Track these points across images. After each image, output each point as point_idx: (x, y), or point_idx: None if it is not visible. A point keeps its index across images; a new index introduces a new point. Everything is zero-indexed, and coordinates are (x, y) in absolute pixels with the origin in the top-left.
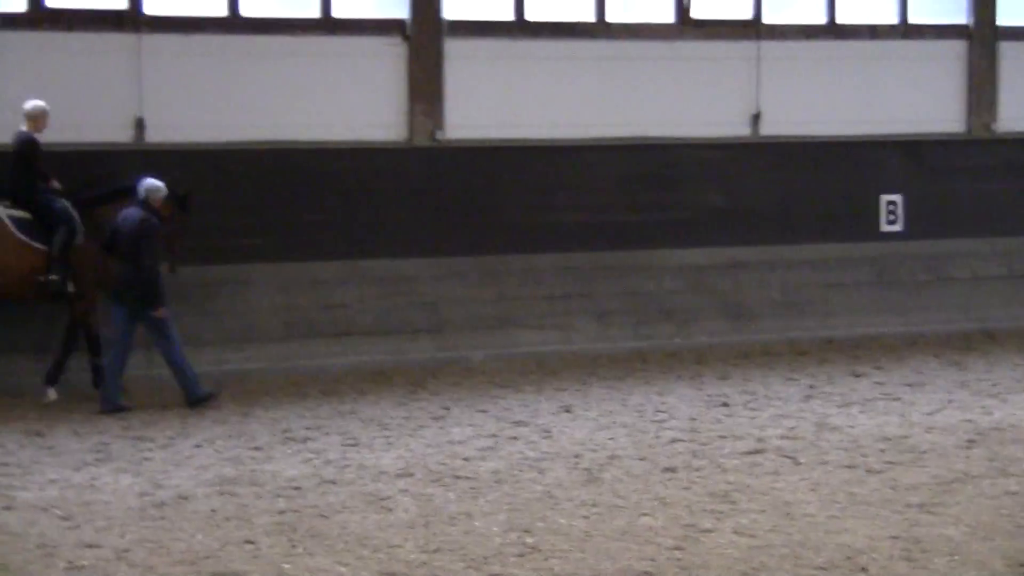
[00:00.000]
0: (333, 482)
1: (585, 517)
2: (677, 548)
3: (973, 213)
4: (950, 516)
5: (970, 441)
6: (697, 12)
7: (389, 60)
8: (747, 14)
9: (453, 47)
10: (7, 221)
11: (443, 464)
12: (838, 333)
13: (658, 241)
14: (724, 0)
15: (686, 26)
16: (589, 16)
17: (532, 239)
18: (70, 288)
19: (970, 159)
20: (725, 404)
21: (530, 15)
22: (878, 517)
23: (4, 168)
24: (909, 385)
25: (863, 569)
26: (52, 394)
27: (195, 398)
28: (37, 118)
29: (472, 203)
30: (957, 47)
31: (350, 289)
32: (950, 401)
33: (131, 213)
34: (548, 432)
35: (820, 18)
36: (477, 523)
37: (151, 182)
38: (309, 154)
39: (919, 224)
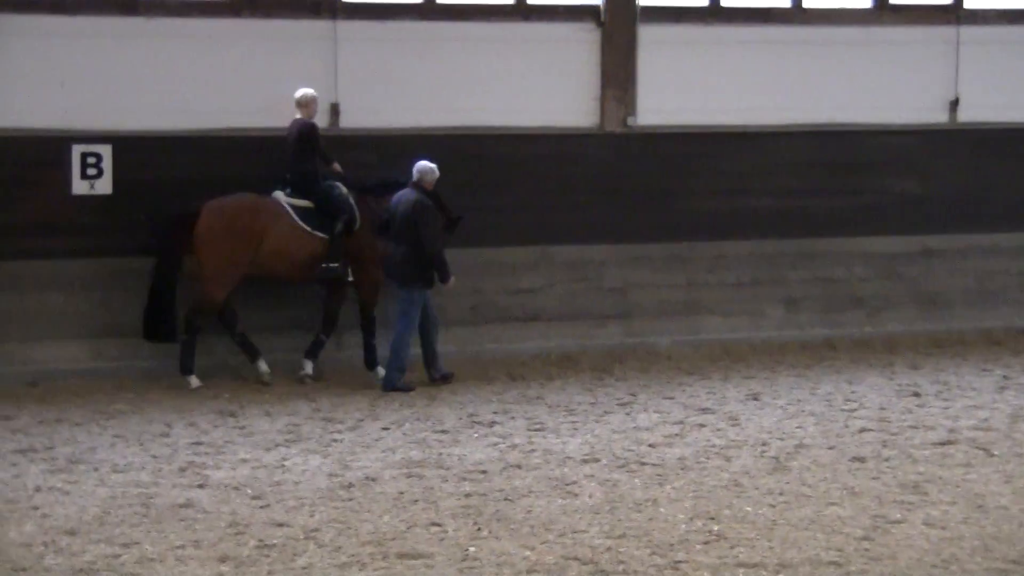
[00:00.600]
0: (519, 466)
1: (772, 506)
2: (865, 539)
3: None
4: None
5: None
6: None
7: (582, 46)
8: None
9: (646, 33)
10: (289, 210)
11: (629, 450)
12: None
13: (849, 228)
14: None
15: (883, 11)
16: (785, 2)
17: (721, 225)
18: (349, 276)
19: None
20: (916, 394)
21: (725, 1)
22: None
23: (284, 156)
24: None
25: None
26: (309, 367)
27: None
28: (308, 104)
29: (662, 189)
30: None
31: (538, 274)
32: None
33: (405, 195)
34: (735, 420)
35: (1022, 2)
36: (662, 510)
37: (425, 164)
38: (501, 139)
39: None
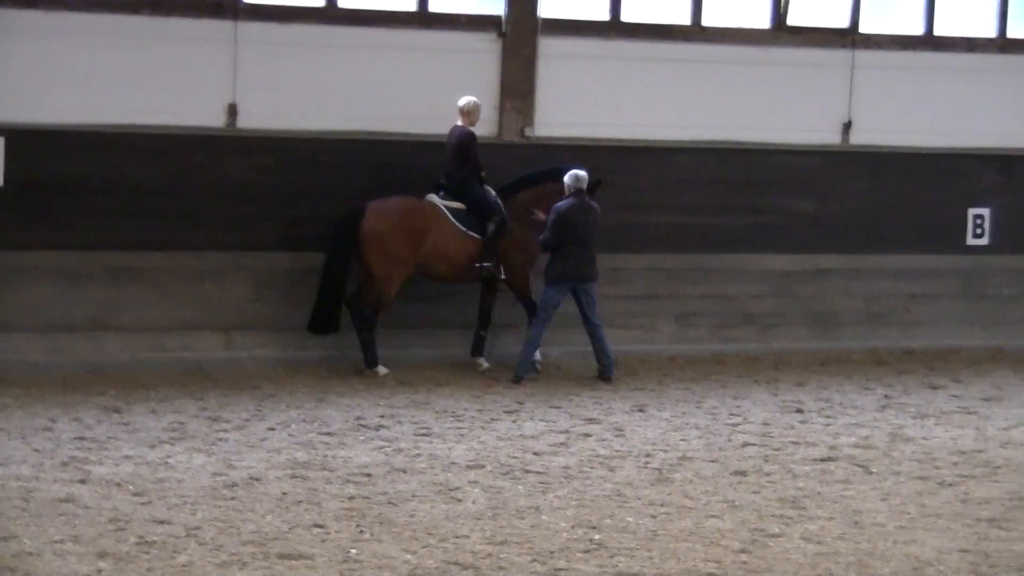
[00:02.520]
0: (403, 471)
1: (653, 516)
2: (744, 551)
3: None
4: (1021, 532)
5: None
6: (793, 19)
7: (483, 56)
8: (843, 22)
9: (547, 46)
10: (447, 213)
11: (514, 458)
12: (918, 344)
13: (744, 245)
14: (821, 7)
15: (781, 32)
16: (685, 19)
17: (618, 238)
18: (502, 275)
19: None
20: (800, 410)
21: (626, 16)
22: (948, 530)
23: (441, 161)
24: (987, 399)
25: None
26: (484, 363)
27: (608, 374)
28: (471, 112)
29: None
30: None
31: (430, 283)
32: None
33: (578, 203)
34: (620, 430)
35: (917, 29)
36: (545, 517)
37: (583, 172)
38: (400, 146)
39: (1006, 238)
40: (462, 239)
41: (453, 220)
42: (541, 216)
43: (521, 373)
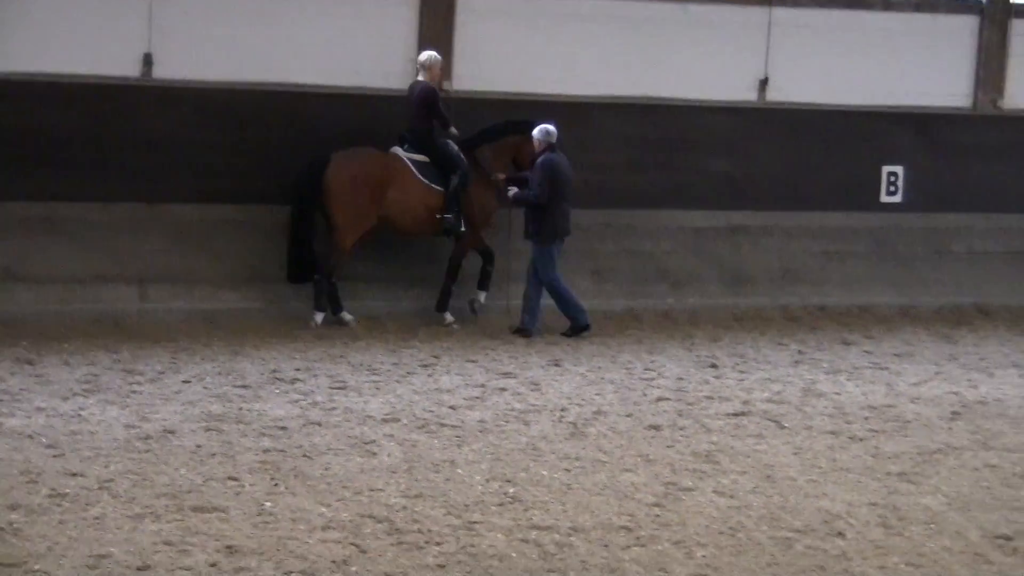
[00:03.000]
0: (319, 424)
1: (567, 470)
2: (657, 505)
3: (973, 188)
4: (929, 486)
5: (954, 413)
6: None
7: (400, 10)
8: None
9: (465, 1)
10: (409, 164)
11: (430, 412)
12: (831, 301)
13: (660, 202)
14: None
15: None
16: None
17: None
18: (462, 227)
19: (974, 135)
20: (714, 366)
21: None
22: (858, 484)
23: (405, 114)
24: (898, 355)
25: (840, 534)
26: (449, 317)
27: (580, 325)
28: (431, 67)
29: None
30: (969, 22)
31: None
32: (937, 373)
33: (559, 158)
34: (536, 385)
35: None
36: (460, 471)
37: (552, 127)
38: (316, 98)
39: (919, 197)
40: (425, 191)
41: (416, 172)
42: (501, 177)
43: (529, 326)
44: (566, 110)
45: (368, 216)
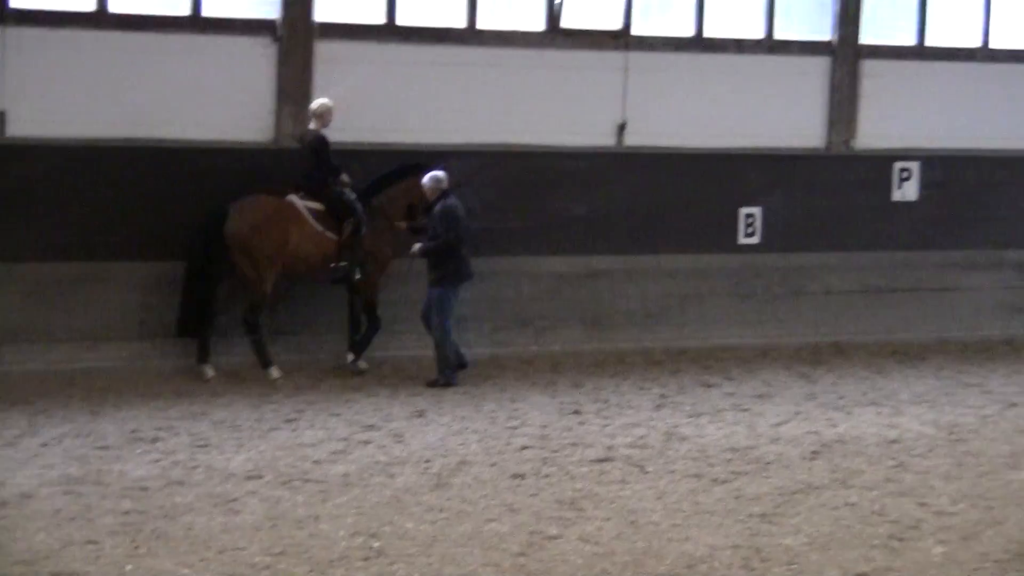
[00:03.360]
0: (180, 483)
1: (432, 522)
2: (522, 554)
3: (829, 228)
4: (791, 526)
5: (814, 453)
6: (567, 21)
7: (259, 61)
8: (616, 24)
9: (324, 50)
10: (305, 212)
11: (293, 467)
12: (692, 343)
13: (520, 248)
14: (594, 10)
15: (556, 35)
16: (460, 22)
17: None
18: (357, 275)
19: (828, 175)
20: (577, 412)
21: (401, 19)
22: (721, 526)
23: (298, 164)
24: (758, 396)
25: None
26: (363, 364)
27: (447, 382)
28: (323, 115)
29: None
30: (821, 63)
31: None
32: (797, 413)
33: (459, 202)
34: (400, 436)
35: (688, 31)
36: (324, 526)
37: (441, 172)
38: (177, 153)
39: (776, 237)
40: (320, 239)
41: (312, 220)
42: (402, 225)
43: (451, 380)
44: (422, 158)
45: (275, 261)
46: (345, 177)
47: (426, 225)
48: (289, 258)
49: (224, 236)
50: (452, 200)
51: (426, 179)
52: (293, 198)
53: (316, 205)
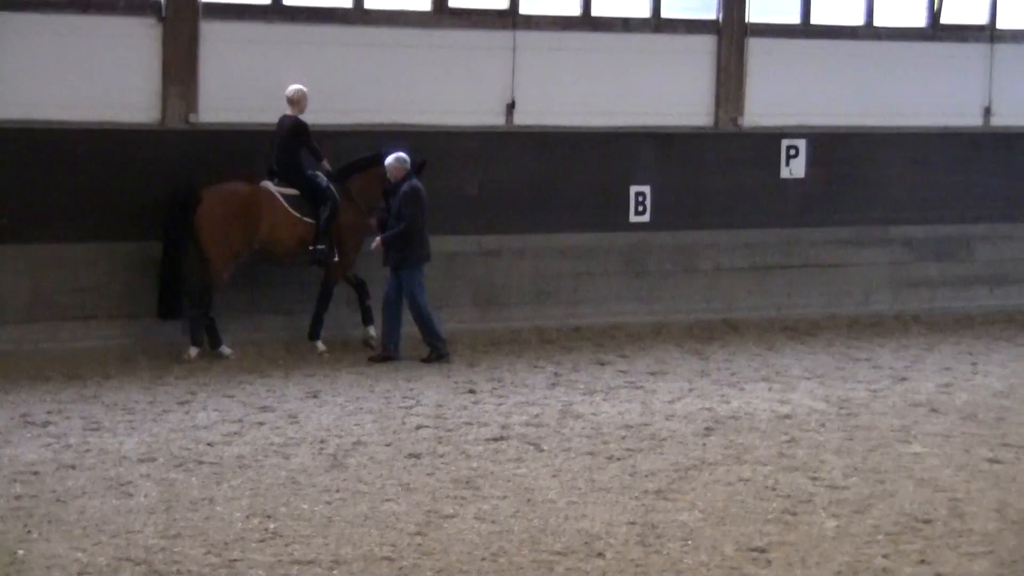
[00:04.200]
0: (73, 467)
1: (328, 503)
2: (419, 534)
3: (718, 205)
4: (686, 502)
5: (707, 429)
6: (454, 1)
7: (143, 41)
8: (504, 4)
9: (209, 29)
10: (280, 198)
11: (187, 449)
12: (585, 321)
13: None
14: None
15: (443, 14)
16: (347, 2)
17: None
18: (335, 257)
19: (716, 153)
20: (472, 391)
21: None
22: (617, 503)
23: (273, 149)
24: (652, 373)
25: (600, 554)
26: (321, 346)
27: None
28: (298, 101)
29: None
30: (707, 42)
31: (98, 270)
32: (690, 390)
33: (418, 185)
34: (294, 417)
35: (575, 10)
36: (219, 508)
37: (404, 154)
38: (61, 134)
39: (667, 215)
40: (295, 224)
41: (287, 206)
42: (374, 223)
43: (443, 352)
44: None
45: (241, 250)
46: (326, 163)
47: (387, 208)
48: (264, 243)
49: (195, 221)
50: (415, 182)
51: (390, 159)
52: (268, 184)
53: (291, 191)
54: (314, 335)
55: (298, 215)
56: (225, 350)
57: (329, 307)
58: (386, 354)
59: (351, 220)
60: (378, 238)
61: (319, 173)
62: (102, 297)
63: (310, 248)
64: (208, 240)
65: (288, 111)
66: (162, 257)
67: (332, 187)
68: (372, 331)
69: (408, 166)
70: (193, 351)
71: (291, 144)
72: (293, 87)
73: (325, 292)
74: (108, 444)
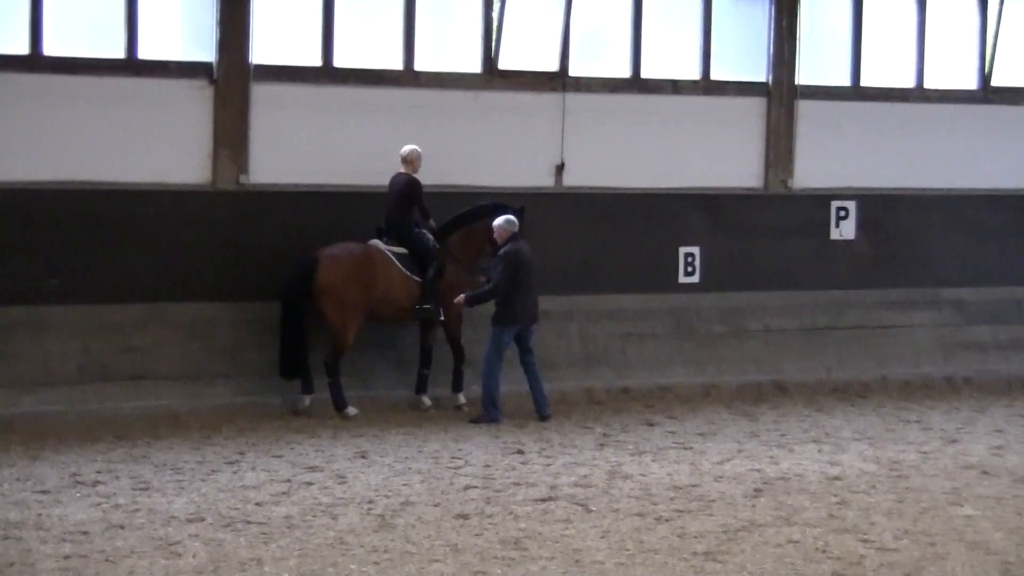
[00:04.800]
0: (122, 527)
1: (376, 563)
2: None
3: (767, 267)
4: (735, 564)
5: (757, 490)
6: (504, 63)
7: (194, 104)
8: (553, 66)
9: (260, 92)
10: (392, 257)
11: (235, 509)
12: (634, 383)
13: None
14: (531, 51)
15: (493, 76)
16: (397, 64)
17: None
18: (440, 316)
19: (766, 214)
20: (520, 451)
21: (338, 62)
22: (665, 565)
23: (384, 207)
24: (701, 435)
25: None
26: (427, 401)
27: (545, 413)
28: (413, 160)
29: (275, 248)
30: (757, 104)
31: (148, 333)
32: (740, 451)
33: (524, 247)
34: (343, 478)
35: (625, 72)
36: (267, 568)
37: (513, 216)
38: (111, 196)
39: (716, 277)
40: (406, 282)
41: (398, 264)
42: (460, 299)
43: (497, 416)
44: (363, 199)
45: (362, 310)
46: (432, 222)
47: (488, 269)
48: (377, 303)
49: (315, 284)
50: (516, 244)
51: (499, 220)
52: (378, 243)
53: (400, 249)
54: (420, 390)
55: (408, 273)
56: (350, 411)
57: (432, 363)
58: (541, 414)
59: (453, 278)
60: (462, 296)
61: (425, 231)
62: (154, 358)
63: (416, 307)
64: (328, 305)
65: (401, 169)
66: (282, 319)
67: (436, 245)
68: (461, 398)
69: (515, 228)
70: (350, 411)
71: (403, 202)
72: (408, 147)
73: (426, 350)
74: (157, 504)
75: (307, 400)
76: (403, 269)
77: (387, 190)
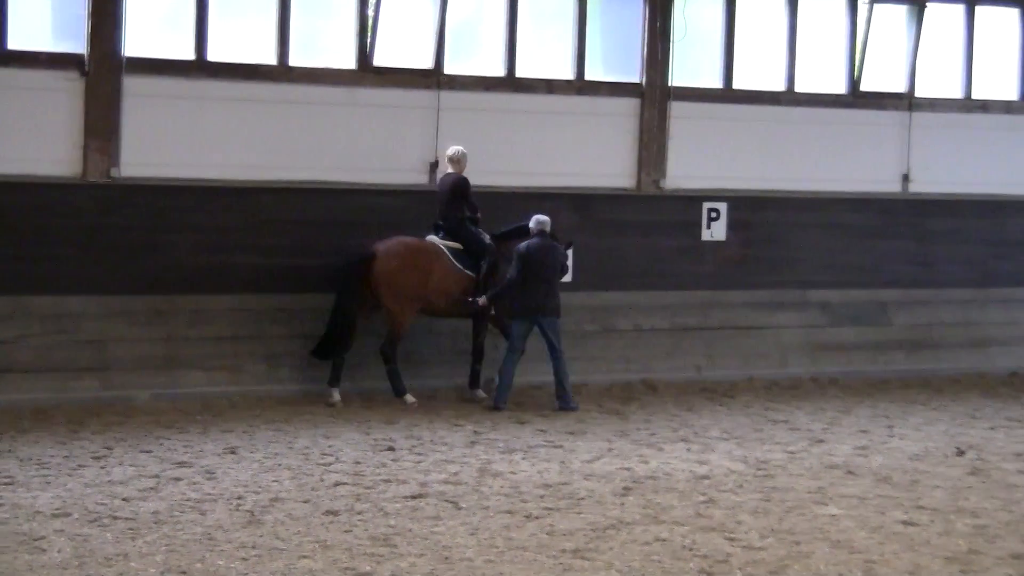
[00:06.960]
0: None
1: (244, 559)
2: None
3: (638, 267)
4: (602, 561)
5: (626, 489)
6: (379, 60)
7: (65, 95)
8: (428, 63)
9: (131, 84)
10: (446, 251)
11: (102, 504)
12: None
13: (330, 286)
14: (406, 49)
15: (367, 72)
16: (271, 59)
17: (203, 280)
18: (491, 310)
19: (638, 214)
20: (391, 448)
21: (212, 56)
22: (534, 562)
23: (437, 205)
24: (571, 433)
25: None
26: (481, 394)
27: (568, 406)
28: (459, 160)
29: (144, 242)
30: (630, 105)
31: (12, 325)
32: (609, 449)
33: (541, 243)
34: (212, 473)
35: (499, 71)
36: (133, 564)
37: (545, 217)
38: None
39: (587, 276)
40: (459, 276)
41: (452, 259)
42: (482, 301)
43: (501, 404)
44: (232, 195)
45: (417, 300)
46: (479, 216)
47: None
48: (431, 294)
49: (373, 273)
50: (531, 242)
51: (532, 220)
52: (433, 238)
53: (455, 244)
54: (474, 385)
55: (461, 268)
56: (408, 398)
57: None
58: (564, 406)
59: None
60: (483, 296)
61: (480, 229)
62: (18, 350)
63: (468, 300)
64: (386, 294)
65: (449, 170)
66: (334, 305)
67: (491, 243)
68: (480, 393)
69: (542, 227)
70: (409, 398)
71: (454, 200)
72: (454, 148)
73: (478, 346)
74: (22, 499)
75: (336, 394)
76: (456, 263)
77: (436, 189)
